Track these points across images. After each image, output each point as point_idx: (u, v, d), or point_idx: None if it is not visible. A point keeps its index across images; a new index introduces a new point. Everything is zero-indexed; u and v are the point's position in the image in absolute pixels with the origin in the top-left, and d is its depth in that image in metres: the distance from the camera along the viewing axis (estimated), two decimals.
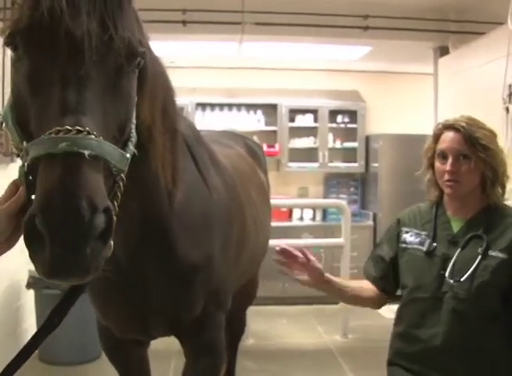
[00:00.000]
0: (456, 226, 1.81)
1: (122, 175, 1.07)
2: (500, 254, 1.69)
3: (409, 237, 1.87)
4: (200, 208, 1.69)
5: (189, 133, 1.77)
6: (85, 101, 0.98)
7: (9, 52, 1.06)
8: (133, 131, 1.15)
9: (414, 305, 1.81)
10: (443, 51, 4.89)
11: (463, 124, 1.75)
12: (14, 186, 1.08)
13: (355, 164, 6.09)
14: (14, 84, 1.07)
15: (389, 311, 2.40)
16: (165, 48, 4.50)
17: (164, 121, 1.41)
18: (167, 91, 1.45)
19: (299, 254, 1.76)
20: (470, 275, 1.69)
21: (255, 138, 4.32)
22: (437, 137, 1.81)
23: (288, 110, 5.97)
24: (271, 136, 5.99)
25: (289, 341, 4.45)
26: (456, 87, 4.47)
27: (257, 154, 2.96)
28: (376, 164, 5.91)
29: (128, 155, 1.09)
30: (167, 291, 1.63)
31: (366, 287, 1.94)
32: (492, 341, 1.70)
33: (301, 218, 5.97)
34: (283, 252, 1.76)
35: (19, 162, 1.06)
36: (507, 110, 3.56)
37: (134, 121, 1.16)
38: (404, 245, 1.88)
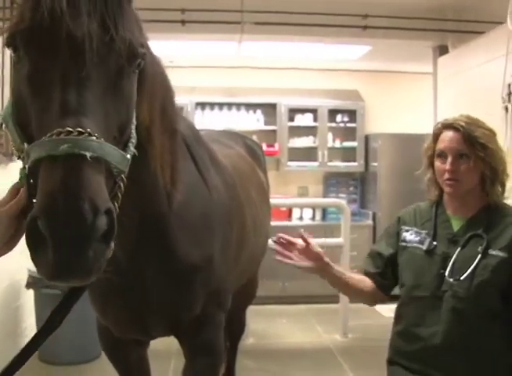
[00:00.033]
0: (456, 225, 1.81)
1: (123, 176, 1.07)
2: (500, 253, 1.70)
3: (409, 236, 1.88)
4: (200, 208, 1.69)
5: (189, 133, 1.76)
6: (86, 102, 0.98)
7: (9, 52, 1.06)
8: (133, 132, 1.15)
9: (414, 303, 1.81)
10: (442, 50, 4.89)
11: (462, 123, 1.75)
12: (15, 190, 1.09)
13: (355, 164, 6.09)
14: (14, 86, 1.06)
15: (388, 310, 2.41)
16: (164, 47, 4.49)
17: (163, 121, 1.40)
18: (167, 91, 1.45)
19: (297, 241, 1.75)
20: (470, 274, 1.69)
21: (255, 137, 4.31)
22: (436, 136, 1.82)
23: (287, 109, 5.97)
24: (270, 136, 5.99)
25: (288, 340, 4.44)
26: (455, 86, 4.47)
27: (257, 154, 2.95)
28: (375, 164, 5.91)
29: (128, 156, 1.09)
30: (167, 291, 1.63)
31: (364, 280, 1.94)
32: (491, 340, 1.70)
33: (301, 218, 5.97)
34: (281, 240, 1.76)
35: (18, 162, 1.07)
36: (506, 109, 3.56)
37: (134, 121, 1.16)
38: (404, 244, 1.88)
